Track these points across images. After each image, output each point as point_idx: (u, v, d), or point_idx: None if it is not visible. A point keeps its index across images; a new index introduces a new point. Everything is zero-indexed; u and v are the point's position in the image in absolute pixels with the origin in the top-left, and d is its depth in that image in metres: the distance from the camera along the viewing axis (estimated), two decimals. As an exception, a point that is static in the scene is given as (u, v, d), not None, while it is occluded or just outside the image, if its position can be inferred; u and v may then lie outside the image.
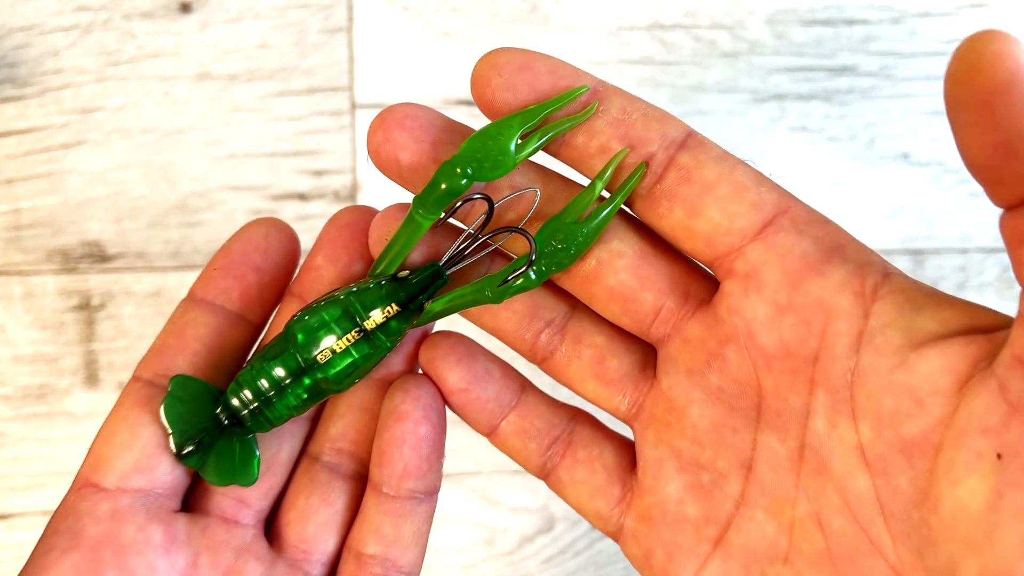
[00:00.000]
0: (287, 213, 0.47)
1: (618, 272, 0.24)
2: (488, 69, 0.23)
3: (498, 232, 0.25)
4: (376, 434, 0.26)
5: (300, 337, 0.25)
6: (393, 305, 0.25)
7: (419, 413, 0.25)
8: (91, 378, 0.47)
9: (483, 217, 0.25)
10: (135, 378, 0.26)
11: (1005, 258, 0.24)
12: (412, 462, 0.25)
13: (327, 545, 0.26)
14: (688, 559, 0.24)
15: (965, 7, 0.50)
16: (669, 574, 0.25)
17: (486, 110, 0.24)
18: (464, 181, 0.24)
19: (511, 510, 0.49)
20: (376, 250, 0.25)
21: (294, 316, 0.25)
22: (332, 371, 0.25)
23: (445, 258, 0.25)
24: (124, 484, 0.24)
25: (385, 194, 0.48)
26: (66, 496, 0.25)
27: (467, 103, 0.48)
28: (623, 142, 0.23)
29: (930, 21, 0.50)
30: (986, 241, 0.50)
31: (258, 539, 0.26)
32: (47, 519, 0.25)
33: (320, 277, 0.26)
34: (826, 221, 0.23)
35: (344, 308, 0.25)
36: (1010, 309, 0.21)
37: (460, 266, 0.25)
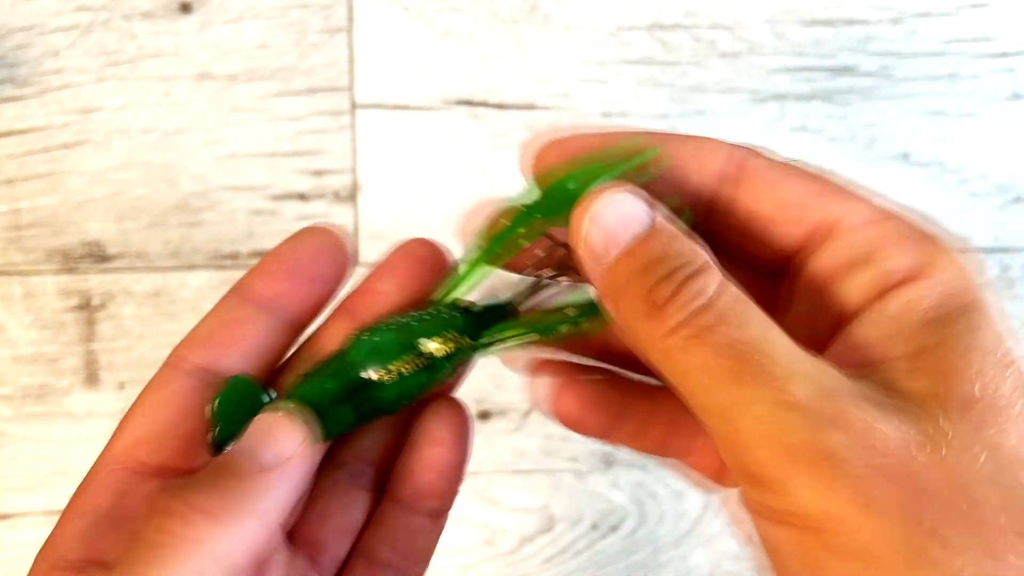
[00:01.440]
0: (287, 213, 0.47)
1: None
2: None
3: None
4: (405, 451, 0.26)
5: (358, 357, 0.25)
6: (458, 337, 0.25)
7: (452, 441, 0.26)
8: (91, 378, 0.47)
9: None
10: (173, 363, 0.25)
11: (1005, 258, 0.24)
12: (437, 485, 0.26)
13: (340, 549, 0.27)
14: None
15: (965, 7, 0.50)
16: None
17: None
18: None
19: (511, 510, 0.49)
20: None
21: (353, 335, 0.25)
22: (386, 395, 0.25)
23: (514, 294, 0.26)
24: (161, 465, 0.25)
25: (385, 194, 0.48)
26: (96, 472, 0.25)
27: (466, 103, 0.48)
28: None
29: (930, 21, 0.50)
30: (986, 241, 0.50)
31: (280, 533, 0.27)
32: (47, 519, 0.25)
33: (380, 302, 0.26)
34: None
35: (408, 335, 0.25)
36: (1010, 309, 0.20)
37: (529, 304, 0.26)
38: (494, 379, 0.48)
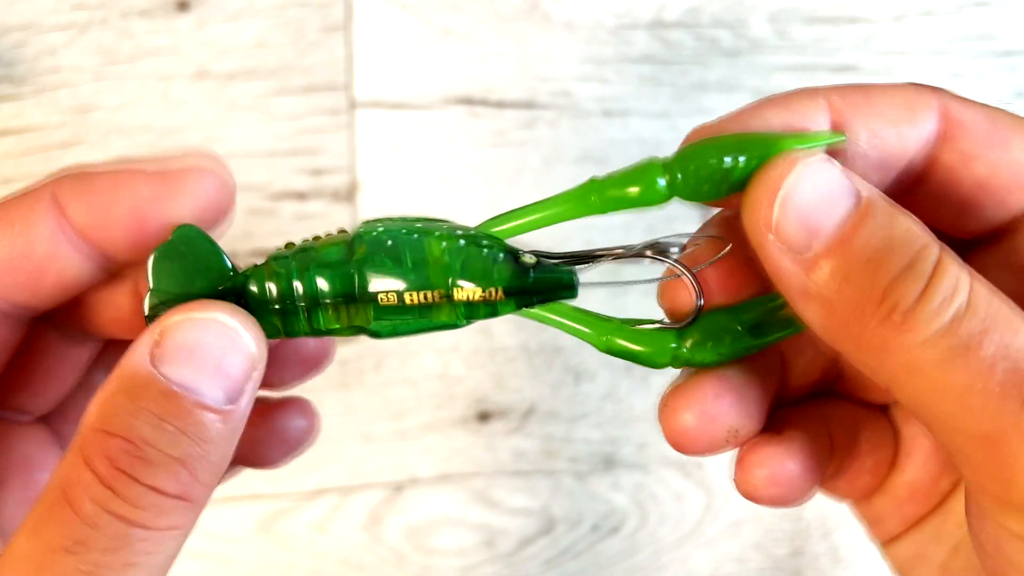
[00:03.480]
0: (286, 212, 0.47)
1: None
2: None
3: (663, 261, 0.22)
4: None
5: (369, 259, 0.20)
6: (500, 291, 0.20)
7: None
8: (88, 379, 0.47)
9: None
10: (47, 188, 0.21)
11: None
12: None
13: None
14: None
15: (968, 5, 0.50)
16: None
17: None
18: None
19: (511, 512, 0.49)
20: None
21: (373, 223, 0.20)
22: (384, 323, 0.20)
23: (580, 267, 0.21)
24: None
25: (384, 193, 0.48)
26: None
27: (466, 102, 0.48)
28: None
29: (933, 19, 0.50)
30: (989, 241, 0.50)
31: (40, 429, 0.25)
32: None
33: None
34: None
35: (439, 258, 0.20)
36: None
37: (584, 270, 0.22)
38: (494, 379, 0.48)
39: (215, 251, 0.20)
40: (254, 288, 0.20)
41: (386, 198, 0.47)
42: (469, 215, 0.24)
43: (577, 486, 0.50)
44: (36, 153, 0.46)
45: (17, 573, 0.17)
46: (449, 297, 0.20)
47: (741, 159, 0.19)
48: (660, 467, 0.50)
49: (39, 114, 0.46)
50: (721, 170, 0.19)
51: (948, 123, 0.20)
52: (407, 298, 0.20)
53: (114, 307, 0.22)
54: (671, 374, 0.48)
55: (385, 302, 0.20)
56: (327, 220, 0.47)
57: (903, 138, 0.19)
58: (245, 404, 0.19)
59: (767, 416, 0.22)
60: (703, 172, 0.20)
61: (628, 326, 0.22)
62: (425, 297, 0.20)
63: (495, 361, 0.48)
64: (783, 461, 0.21)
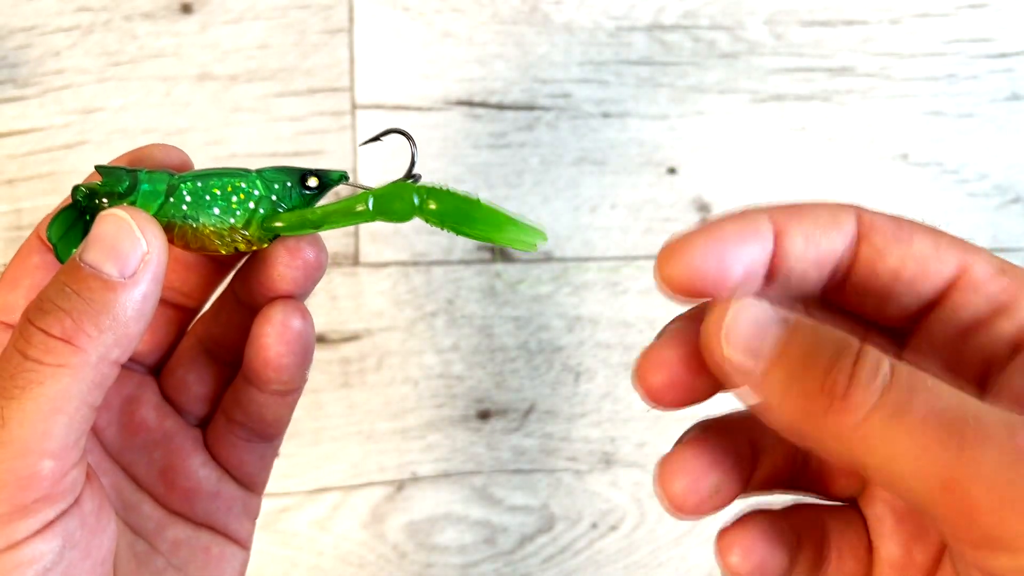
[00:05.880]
0: (288, 213, 0.47)
1: None
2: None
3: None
4: (248, 340, 0.28)
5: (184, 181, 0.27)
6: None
7: (279, 344, 0.28)
8: (92, 378, 0.47)
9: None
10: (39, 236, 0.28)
11: (1004, 258, 0.24)
12: (272, 375, 0.28)
13: (200, 408, 0.31)
14: None
15: (964, 7, 0.51)
16: None
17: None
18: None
19: (511, 509, 0.49)
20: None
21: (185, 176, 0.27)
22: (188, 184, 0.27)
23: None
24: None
25: (385, 194, 0.48)
26: None
27: (466, 104, 0.48)
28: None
29: (929, 21, 0.51)
30: (985, 241, 0.50)
31: (151, 380, 0.31)
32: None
33: None
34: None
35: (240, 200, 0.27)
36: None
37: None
38: (494, 379, 0.48)
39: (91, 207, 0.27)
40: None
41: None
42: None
43: (577, 484, 0.50)
44: (40, 154, 0.47)
45: None
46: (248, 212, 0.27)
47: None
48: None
49: (43, 115, 0.46)
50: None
51: (863, 226, 0.24)
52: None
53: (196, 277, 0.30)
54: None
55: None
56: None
57: (831, 239, 0.24)
58: (143, 280, 0.24)
59: (744, 484, 0.25)
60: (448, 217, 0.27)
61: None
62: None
63: (495, 360, 0.48)
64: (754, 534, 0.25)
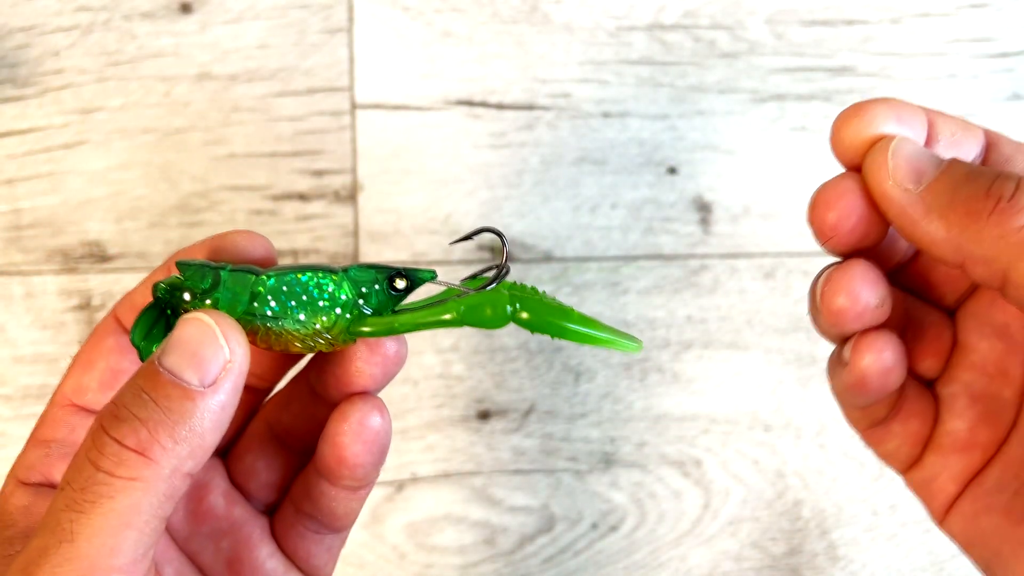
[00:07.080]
0: (287, 213, 0.47)
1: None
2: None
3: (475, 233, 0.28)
4: (323, 433, 0.28)
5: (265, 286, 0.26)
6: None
7: (356, 442, 0.27)
8: (91, 378, 0.47)
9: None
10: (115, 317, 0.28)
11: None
12: (345, 472, 0.27)
13: (268, 496, 0.30)
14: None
15: (965, 7, 0.51)
16: (944, 492, 0.27)
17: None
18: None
19: (511, 510, 0.49)
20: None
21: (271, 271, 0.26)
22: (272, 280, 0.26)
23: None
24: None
25: (385, 194, 0.48)
26: (48, 409, 0.27)
27: (466, 103, 0.48)
28: None
29: (930, 21, 0.50)
30: (985, 241, 0.50)
31: (219, 464, 0.30)
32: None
33: None
34: None
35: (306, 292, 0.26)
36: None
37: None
38: (494, 379, 0.48)
39: (178, 301, 0.26)
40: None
41: (387, 199, 0.48)
42: (469, 215, 0.25)
43: (576, 484, 0.50)
44: (39, 154, 0.46)
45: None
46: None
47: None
48: (659, 466, 0.50)
49: (42, 115, 0.46)
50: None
51: (990, 136, 0.26)
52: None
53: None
54: (667, 372, 0.49)
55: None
56: (328, 221, 0.47)
57: (969, 141, 0.25)
58: (223, 390, 0.23)
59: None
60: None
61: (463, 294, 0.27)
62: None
63: (495, 361, 0.48)
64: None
